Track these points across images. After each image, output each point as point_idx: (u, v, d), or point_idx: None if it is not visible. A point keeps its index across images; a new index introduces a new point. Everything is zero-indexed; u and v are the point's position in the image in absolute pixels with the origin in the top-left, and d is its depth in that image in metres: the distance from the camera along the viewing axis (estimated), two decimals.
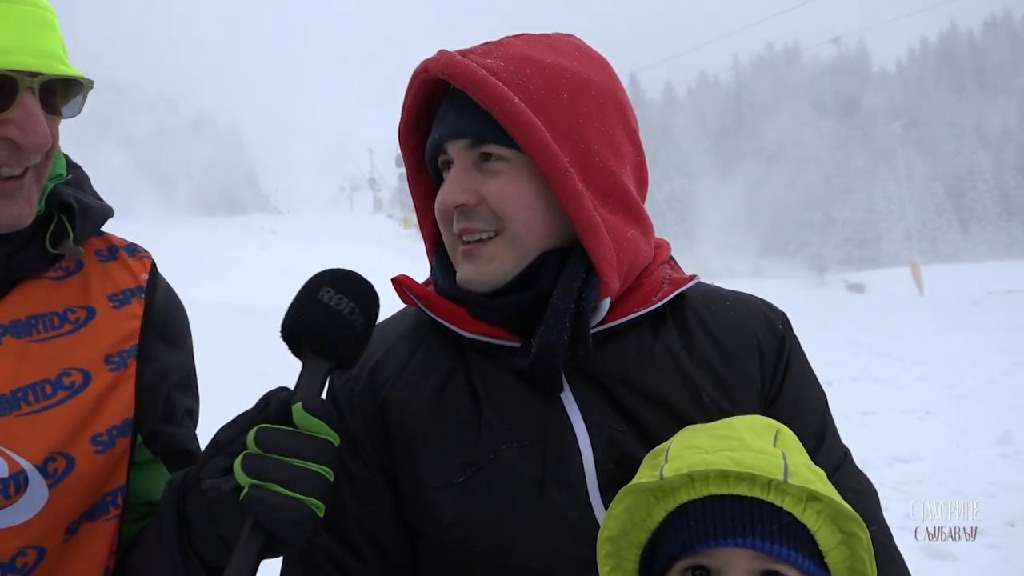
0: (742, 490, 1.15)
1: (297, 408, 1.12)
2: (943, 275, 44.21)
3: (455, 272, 1.45)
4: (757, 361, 1.44)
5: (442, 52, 1.40)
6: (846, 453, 1.47)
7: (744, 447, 1.18)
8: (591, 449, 1.34)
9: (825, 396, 1.52)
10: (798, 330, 1.56)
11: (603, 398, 1.38)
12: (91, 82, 1.23)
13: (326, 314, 1.18)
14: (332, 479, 1.13)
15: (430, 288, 1.50)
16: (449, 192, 1.39)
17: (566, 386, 1.38)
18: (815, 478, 1.17)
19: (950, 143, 76.45)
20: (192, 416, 1.53)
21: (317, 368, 1.18)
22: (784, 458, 1.17)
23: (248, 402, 1.19)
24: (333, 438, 1.14)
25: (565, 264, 1.38)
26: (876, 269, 58.62)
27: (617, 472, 1.33)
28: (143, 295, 1.43)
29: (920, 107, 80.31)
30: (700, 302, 1.50)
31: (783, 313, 1.54)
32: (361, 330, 1.21)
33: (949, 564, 5.19)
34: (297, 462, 1.09)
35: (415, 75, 1.43)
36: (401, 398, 1.40)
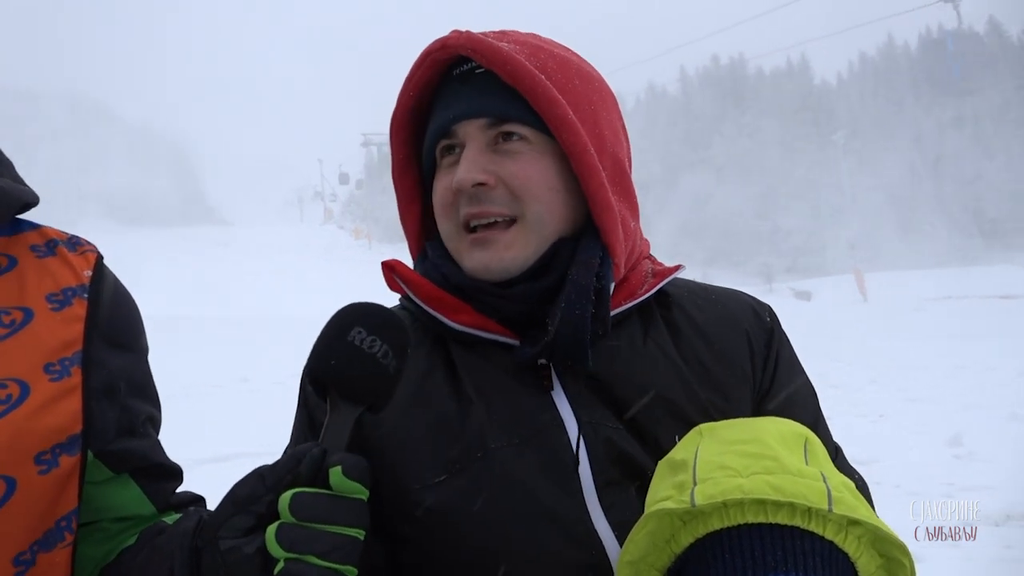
0: (781, 518, 1.05)
1: (336, 472, 1.04)
2: (885, 282, 45.34)
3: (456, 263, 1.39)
4: (748, 355, 1.41)
5: (459, 31, 1.36)
6: (837, 449, 1.44)
7: (781, 468, 1.08)
8: (585, 448, 1.28)
9: (814, 390, 1.49)
10: None
11: (596, 396, 1.33)
12: None
13: (359, 358, 1.10)
14: (363, 538, 1.06)
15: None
16: (466, 171, 1.32)
17: (557, 384, 1.33)
18: (857, 502, 1.08)
19: (889, 154, 78.71)
20: (154, 423, 1.40)
21: (346, 415, 1.10)
22: (825, 481, 1.08)
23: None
24: (365, 495, 1.06)
25: (576, 250, 1.34)
26: (821, 277, 59.93)
27: (614, 471, 1.28)
28: (86, 294, 1.29)
29: (860, 118, 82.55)
30: (686, 297, 1.47)
31: (769, 307, 1.52)
32: (394, 374, 1.13)
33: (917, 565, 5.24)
34: (333, 528, 1.03)
35: (427, 54, 1.37)
36: None
